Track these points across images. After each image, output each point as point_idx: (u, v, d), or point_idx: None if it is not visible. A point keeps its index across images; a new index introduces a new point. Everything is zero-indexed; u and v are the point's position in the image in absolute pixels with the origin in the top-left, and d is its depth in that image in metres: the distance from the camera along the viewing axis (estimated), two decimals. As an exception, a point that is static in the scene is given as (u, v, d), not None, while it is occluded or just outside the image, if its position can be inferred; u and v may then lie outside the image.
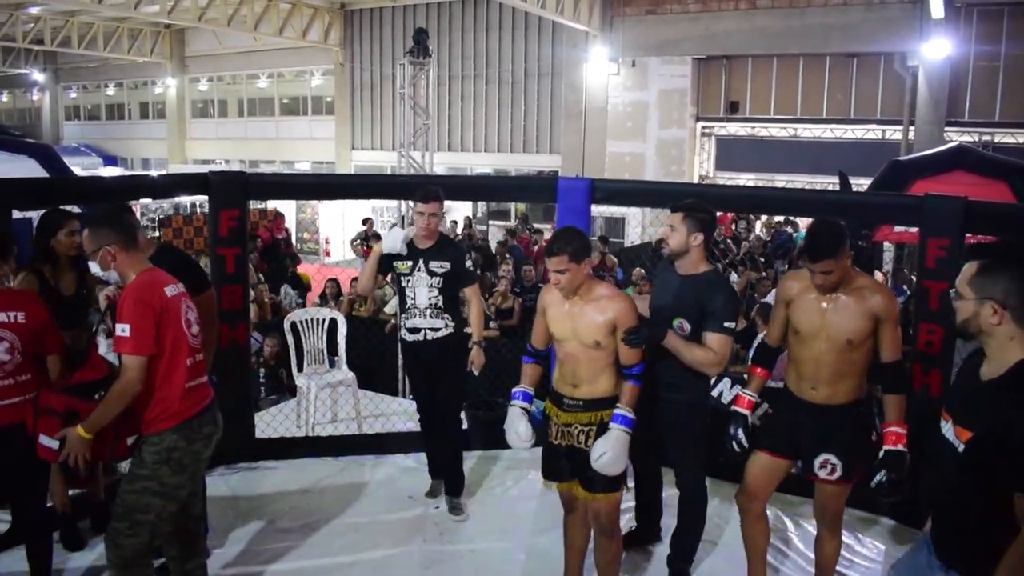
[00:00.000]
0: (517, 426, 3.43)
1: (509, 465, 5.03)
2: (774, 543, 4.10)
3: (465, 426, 5.74)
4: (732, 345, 3.47)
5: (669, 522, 3.89)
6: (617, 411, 3.20)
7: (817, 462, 3.21)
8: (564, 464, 3.35)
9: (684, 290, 3.45)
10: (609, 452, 3.12)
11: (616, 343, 3.22)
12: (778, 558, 4.02)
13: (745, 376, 3.70)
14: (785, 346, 3.41)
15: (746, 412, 3.43)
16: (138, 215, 15.55)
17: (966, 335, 2.20)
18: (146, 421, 2.94)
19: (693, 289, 3.42)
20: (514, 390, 3.52)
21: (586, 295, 3.24)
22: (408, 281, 4.33)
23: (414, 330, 4.36)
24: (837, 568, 3.56)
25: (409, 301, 4.36)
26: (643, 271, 9.46)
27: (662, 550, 3.89)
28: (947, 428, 2.21)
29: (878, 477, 3.09)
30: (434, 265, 4.31)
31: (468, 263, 4.54)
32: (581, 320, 3.23)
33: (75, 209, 4.12)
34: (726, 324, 3.36)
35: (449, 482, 4.54)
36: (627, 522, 4.26)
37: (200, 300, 3.48)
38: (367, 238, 14.00)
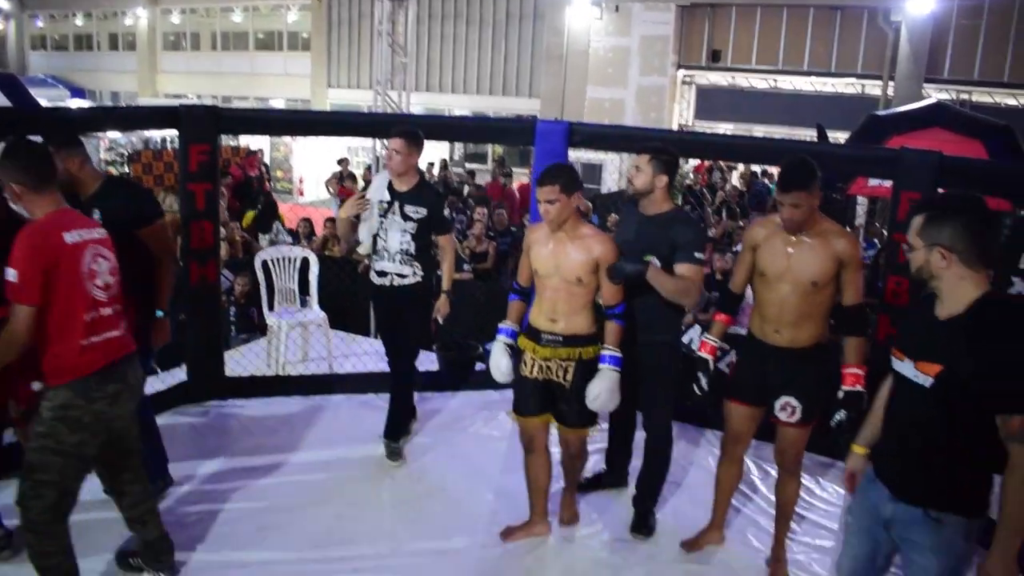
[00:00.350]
0: (500, 361, 3.58)
1: (480, 406, 5.07)
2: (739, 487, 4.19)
3: (437, 367, 5.78)
4: (703, 276, 3.55)
5: (636, 464, 3.95)
6: (605, 352, 3.37)
7: (778, 404, 3.29)
8: (538, 398, 3.49)
9: (651, 228, 3.52)
10: (604, 393, 3.34)
11: (597, 281, 3.37)
12: (741, 500, 4.10)
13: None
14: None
15: (708, 357, 3.50)
16: (104, 149, 15.33)
17: (921, 282, 2.36)
18: (44, 374, 2.79)
19: (660, 227, 3.49)
20: (500, 325, 3.65)
21: (571, 233, 3.35)
22: (382, 223, 4.25)
23: (382, 273, 4.29)
24: (797, 511, 3.65)
25: (380, 243, 4.27)
26: (618, 217, 9.45)
27: (628, 492, 3.95)
28: (905, 367, 2.35)
29: (837, 417, 3.17)
30: (409, 209, 4.21)
31: (446, 211, 4.44)
32: (564, 257, 3.35)
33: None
34: (696, 254, 3.46)
35: (389, 426, 4.44)
36: (595, 464, 4.34)
37: (148, 232, 3.42)
38: (342, 178, 13.85)
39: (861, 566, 2.58)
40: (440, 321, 4.40)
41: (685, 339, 5.07)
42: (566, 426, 3.50)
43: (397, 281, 4.26)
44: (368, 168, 12.71)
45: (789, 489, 3.48)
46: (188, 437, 4.55)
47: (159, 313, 3.63)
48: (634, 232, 3.56)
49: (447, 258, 4.42)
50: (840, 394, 3.19)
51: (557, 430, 3.55)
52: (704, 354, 3.52)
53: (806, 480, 4.25)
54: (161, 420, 4.69)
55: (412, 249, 4.23)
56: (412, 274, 4.26)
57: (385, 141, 7.99)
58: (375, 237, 4.30)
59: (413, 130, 4.25)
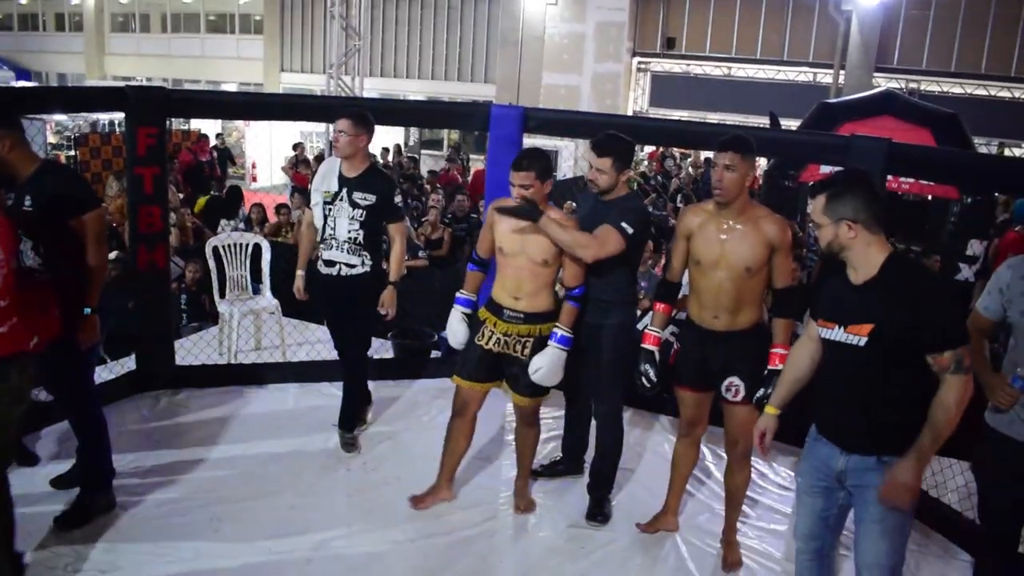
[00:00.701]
0: (457, 329, 3.71)
1: (435, 394, 5.04)
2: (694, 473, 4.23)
3: (392, 355, 5.73)
4: (621, 245, 3.45)
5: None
6: (556, 330, 3.49)
7: (723, 385, 3.36)
8: (486, 368, 3.64)
9: (604, 209, 3.54)
10: (544, 367, 3.46)
11: (561, 263, 3.49)
12: (695, 485, 4.14)
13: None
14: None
15: (653, 348, 3.53)
16: (52, 133, 14.93)
17: (831, 255, 2.54)
18: None
19: (615, 208, 3.52)
20: (457, 295, 3.77)
21: None
22: (329, 210, 4.10)
23: (330, 263, 4.15)
24: (750, 495, 3.72)
25: (328, 231, 4.12)
26: (574, 204, 9.46)
27: (584, 479, 3.96)
28: (835, 333, 2.54)
29: (759, 393, 3.26)
30: (358, 196, 4.06)
31: (397, 199, 4.29)
32: (532, 238, 3.44)
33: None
34: (623, 224, 3.43)
35: (342, 417, 4.41)
36: (551, 451, 4.35)
37: (84, 220, 3.28)
38: (297, 163, 13.67)
39: (816, 524, 2.73)
40: (387, 314, 4.21)
41: (640, 325, 5.09)
42: (518, 394, 3.64)
43: (345, 271, 4.13)
44: (320, 154, 12.57)
45: (739, 476, 3.52)
46: (138, 427, 4.45)
47: (87, 310, 3.37)
48: (592, 218, 3.54)
49: (397, 248, 4.26)
50: (766, 372, 3.27)
51: (511, 398, 3.70)
52: (648, 345, 3.53)
53: (759, 464, 4.31)
54: (110, 409, 4.59)
55: (360, 238, 4.08)
56: (361, 263, 4.12)
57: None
58: (323, 224, 4.15)
59: (361, 111, 4.13)
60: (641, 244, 3.70)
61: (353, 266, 4.12)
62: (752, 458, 3.53)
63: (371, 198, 4.07)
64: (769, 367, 3.27)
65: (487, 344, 3.60)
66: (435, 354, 5.71)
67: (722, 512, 3.67)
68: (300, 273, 4.44)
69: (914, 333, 2.40)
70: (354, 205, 4.07)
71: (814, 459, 2.69)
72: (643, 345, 3.55)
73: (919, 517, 3.58)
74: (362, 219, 4.08)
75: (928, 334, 2.40)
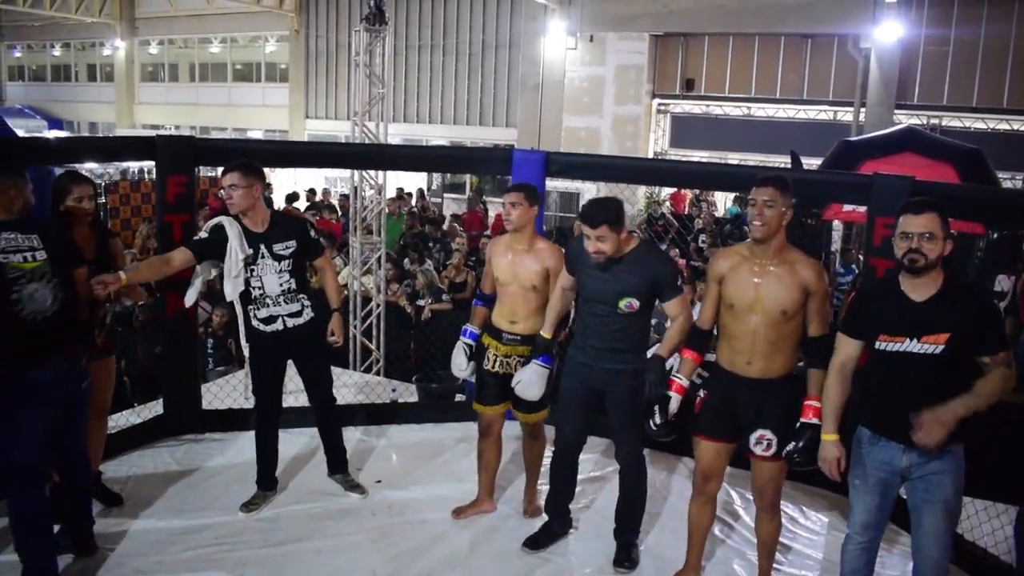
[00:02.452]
0: (459, 360, 4.08)
1: (460, 438, 5.03)
2: (721, 515, 4.17)
3: (416, 399, 5.74)
4: (686, 300, 3.60)
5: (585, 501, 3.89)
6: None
7: (753, 438, 3.25)
8: (497, 390, 3.96)
9: (624, 270, 3.47)
10: (525, 380, 3.72)
11: (548, 289, 3.78)
12: (724, 531, 4.09)
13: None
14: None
15: (676, 396, 3.35)
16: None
17: (930, 269, 2.82)
18: None
19: (631, 266, 3.47)
20: (464, 327, 4.11)
21: (528, 246, 3.83)
22: (252, 271, 3.92)
23: (269, 319, 3.98)
24: (781, 540, 3.62)
25: (256, 292, 3.95)
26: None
27: (606, 526, 3.89)
28: (909, 344, 2.83)
29: (789, 447, 3.15)
30: (278, 248, 3.93)
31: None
32: (521, 267, 3.83)
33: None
34: (677, 284, 3.54)
35: (334, 461, 4.41)
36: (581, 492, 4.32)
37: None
38: (320, 209, 13.84)
39: (873, 517, 3.03)
40: (337, 341, 4.14)
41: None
42: (519, 411, 3.95)
43: (291, 322, 4.00)
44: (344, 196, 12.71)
45: (770, 526, 3.43)
46: (165, 471, 4.48)
47: None
48: (605, 278, 3.49)
49: (328, 277, 4.25)
50: (798, 425, 3.16)
51: (516, 416, 4.01)
52: (671, 393, 3.36)
53: (789, 509, 4.25)
54: (137, 454, 4.65)
55: (293, 285, 3.98)
56: (302, 308, 4.03)
57: (365, 173, 8.01)
58: (248, 287, 3.97)
59: (247, 160, 3.96)
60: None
61: (297, 314, 4.02)
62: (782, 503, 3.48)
63: (292, 244, 3.96)
64: (802, 420, 3.16)
65: (492, 367, 3.96)
66: (459, 397, 5.70)
67: (753, 558, 3.61)
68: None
69: (975, 338, 2.80)
70: (278, 258, 3.94)
71: (873, 460, 2.97)
72: (668, 392, 3.39)
73: (955, 561, 3.52)
74: (289, 268, 3.97)
75: (987, 338, 2.82)
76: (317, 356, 4.18)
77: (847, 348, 3.03)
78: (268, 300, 3.96)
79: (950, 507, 2.90)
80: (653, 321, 6.20)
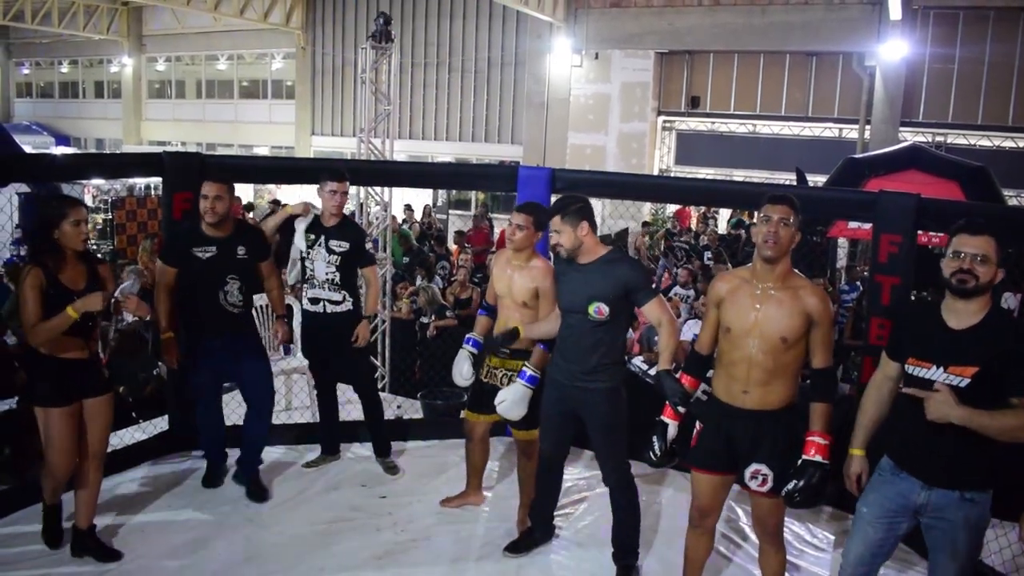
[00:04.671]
0: (462, 367, 4.15)
1: (465, 454, 5.00)
2: (727, 533, 4.15)
3: (421, 415, 5.73)
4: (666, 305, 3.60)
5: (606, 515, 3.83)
6: (525, 369, 3.82)
7: (748, 472, 3.10)
8: (487, 400, 4.02)
9: (592, 276, 3.49)
10: (507, 400, 3.78)
11: (540, 306, 3.86)
12: (730, 548, 4.06)
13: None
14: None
15: (670, 422, 3.28)
16: (90, 197, 15.31)
17: (979, 293, 2.66)
18: None
19: (601, 272, 3.49)
20: (467, 336, 4.23)
21: (524, 264, 3.93)
22: (308, 255, 4.57)
23: (314, 300, 4.59)
24: (789, 559, 3.55)
25: (308, 274, 4.60)
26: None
27: (600, 551, 3.83)
28: (933, 373, 2.69)
29: (789, 486, 2.98)
30: (333, 243, 4.53)
31: (368, 245, 4.89)
32: (516, 283, 3.93)
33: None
34: (653, 287, 3.59)
35: (378, 445, 4.85)
36: (582, 513, 4.30)
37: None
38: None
39: (869, 551, 2.89)
40: (359, 345, 4.61)
41: (653, 371, 5.11)
42: (515, 428, 4.02)
43: (330, 308, 4.57)
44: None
45: (774, 561, 3.30)
46: (169, 487, 4.47)
47: None
48: (576, 284, 3.52)
49: (371, 288, 4.81)
50: (799, 462, 3.00)
51: (512, 433, 4.11)
52: (665, 418, 3.29)
53: (795, 526, 4.23)
54: (142, 471, 4.64)
55: (337, 279, 4.55)
56: (343, 299, 4.58)
57: (370, 189, 8.03)
58: (304, 269, 4.65)
59: (344, 172, 4.62)
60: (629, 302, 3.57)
61: (337, 302, 4.57)
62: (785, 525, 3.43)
63: (345, 245, 4.55)
64: (804, 457, 2.98)
65: (485, 378, 4.10)
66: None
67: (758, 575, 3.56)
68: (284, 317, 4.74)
69: (1007, 375, 2.60)
70: (330, 251, 4.54)
71: (889, 491, 2.83)
72: (660, 417, 3.31)
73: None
74: (337, 264, 4.54)
75: (1020, 376, 2.60)
76: (352, 350, 4.63)
77: (885, 367, 2.95)
78: (315, 282, 4.56)
79: (966, 557, 2.76)
80: (634, 335, 6.21)
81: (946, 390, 2.62)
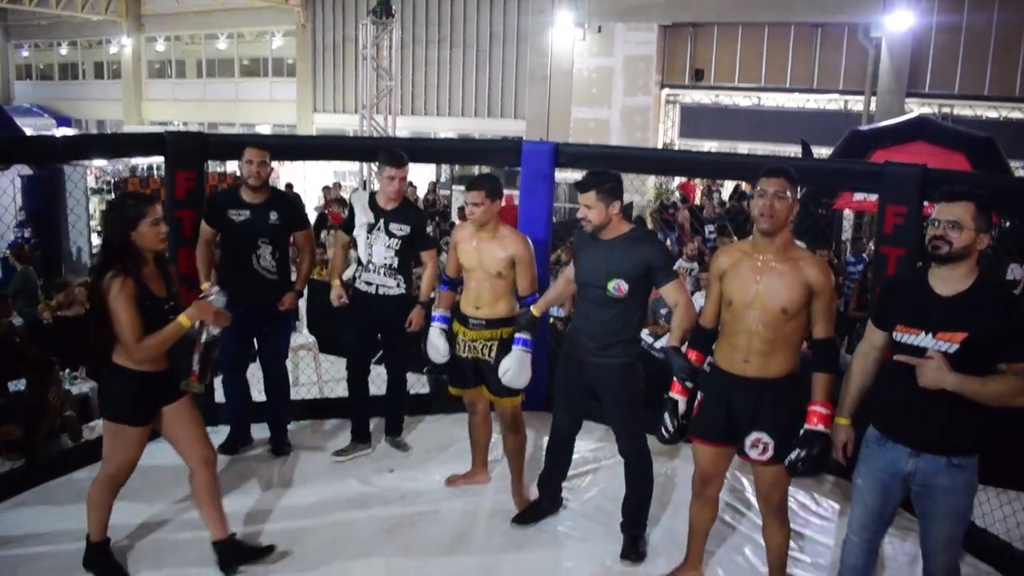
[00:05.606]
0: (437, 344, 4.10)
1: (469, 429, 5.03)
2: (731, 503, 4.18)
3: (428, 390, 5.75)
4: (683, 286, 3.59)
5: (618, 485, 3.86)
6: (518, 335, 3.81)
7: (748, 441, 3.12)
8: (470, 374, 4.08)
9: (614, 253, 3.48)
10: (512, 368, 3.78)
11: (515, 274, 3.87)
12: (734, 516, 4.09)
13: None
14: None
15: (679, 397, 3.29)
16: (93, 178, 15.30)
17: (953, 259, 2.66)
18: None
19: (623, 249, 3.47)
20: (433, 313, 4.16)
21: (492, 233, 3.91)
22: (368, 239, 4.45)
23: (369, 283, 4.51)
24: (793, 527, 3.56)
25: (366, 258, 4.48)
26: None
27: (607, 515, 3.88)
28: (922, 339, 2.70)
29: (792, 456, 3.00)
30: (394, 227, 4.43)
31: (428, 229, 4.59)
32: (486, 254, 3.90)
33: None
34: (672, 270, 3.54)
35: (393, 424, 4.85)
36: (588, 484, 4.32)
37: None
38: (328, 204, 13.84)
39: (871, 519, 2.95)
40: (410, 329, 4.56)
41: (658, 344, 5.08)
42: (495, 395, 4.00)
43: (383, 291, 4.49)
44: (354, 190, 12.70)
45: (779, 535, 3.31)
46: (176, 464, 4.49)
47: None
48: (597, 259, 3.51)
49: (428, 271, 4.63)
50: (801, 432, 3.01)
51: (490, 399, 4.09)
52: (675, 394, 3.30)
53: (800, 496, 4.25)
54: (149, 448, 4.66)
55: (395, 263, 4.46)
56: (397, 285, 4.50)
57: (372, 166, 8.02)
58: (361, 252, 4.52)
59: (402, 154, 4.46)
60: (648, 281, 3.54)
61: (389, 287, 4.49)
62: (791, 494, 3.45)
63: (406, 228, 4.45)
64: (807, 426, 3.00)
65: (462, 352, 4.06)
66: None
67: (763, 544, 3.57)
68: (336, 283, 4.71)
69: (998, 342, 2.62)
70: (391, 235, 4.44)
71: (878, 461, 2.87)
72: (669, 394, 3.31)
73: (967, 547, 3.51)
74: (397, 247, 4.45)
75: (1010, 344, 2.62)
76: (401, 331, 4.58)
77: (872, 336, 2.97)
78: (372, 267, 4.48)
79: (956, 523, 2.79)
80: (663, 310, 6.22)
81: (939, 356, 2.62)
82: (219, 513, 3.47)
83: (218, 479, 3.53)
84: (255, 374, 4.77)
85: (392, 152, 4.45)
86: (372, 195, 4.54)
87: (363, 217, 4.46)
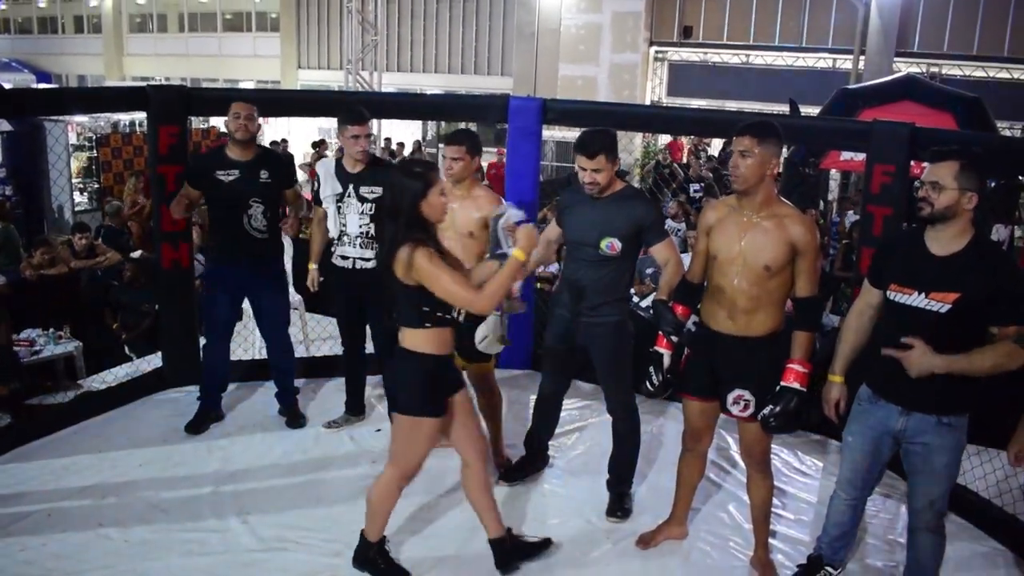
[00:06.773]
0: None
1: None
2: (717, 460, 4.22)
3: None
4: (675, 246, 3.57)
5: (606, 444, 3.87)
6: None
7: (730, 397, 3.14)
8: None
9: (606, 210, 3.45)
10: (489, 336, 3.66)
11: (486, 236, 3.58)
12: (719, 474, 4.13)
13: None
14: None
15: (664, 352, 3.32)
16: (74, 134, 15.09)
17: (937, 219, 2.68)
18: None
19: (616, 207, 3.44)
20: None
21: (466, 192, 3.81)
22: (339, 208, 4.19)
23: (344, 257, 4.25)
24: (777, 484, 3.62)
25: (340, 229, 4.21)
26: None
27: (602, 475, 3.91)
28: (914, 298, 2.72)
29: (765, 411, 3.03)
30: (365, 191, 4.14)
31: None
32: (458, 215, 3.75)
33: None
34: (663, 228, 3.54)
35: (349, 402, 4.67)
36: (575, 442, 4.35)
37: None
38: (317, 160, 13.73)
39: (860, 477, 3.01)
40: None
41: (644, 303, 5.08)
42: (466, 360, 3.80)
43: (360, 264, 4.21)
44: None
45: (762, 488, 3.32)
46: (163, 423, 4.50)
47: None
48: (589, 216, 3.48)
49: None
50: (778, 388, 3.02)
51: (462, 368, 3.73)
52: (660, 348, 3.33)
53: (783, 453, 4.30)
54: (136, 406, 4.67)
55: (372, 231, 4.15)
56: (375, 255, 4.11)
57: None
58: (335, 223, 4.25)
59: (366, 111, 4.21)
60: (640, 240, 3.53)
61: (368, 259, 4.17)
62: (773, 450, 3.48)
63: (377, 190, 4.10)
64: (783, 383, 3.01)
65: None
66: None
67: (747, 501, 3.61)
68: (313, 267, 4.53)
69: (990, 304, 2.63)
70: (362, 200, 4.15)
71: (869, 419, 2.92)
72: (655, 347, 3.33)
73: (950, 507, 3.56)
74: (371, 212, 4.13)
75: (1002, 307, 2.63)
76: (382, 305, 4.20)
77: (867, 295, 2.96)
78: (347, 239, 4.21)
79: (943, 481, 2.83)
80: (650, 270, 6.22)
81: (920, 343, 2.62)
82: (494, 508, 3.27)
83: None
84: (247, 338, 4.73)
85: (352, 109, 4.17)
86: (338, 161, 4.26)
87: (328, 188, 4.19)
